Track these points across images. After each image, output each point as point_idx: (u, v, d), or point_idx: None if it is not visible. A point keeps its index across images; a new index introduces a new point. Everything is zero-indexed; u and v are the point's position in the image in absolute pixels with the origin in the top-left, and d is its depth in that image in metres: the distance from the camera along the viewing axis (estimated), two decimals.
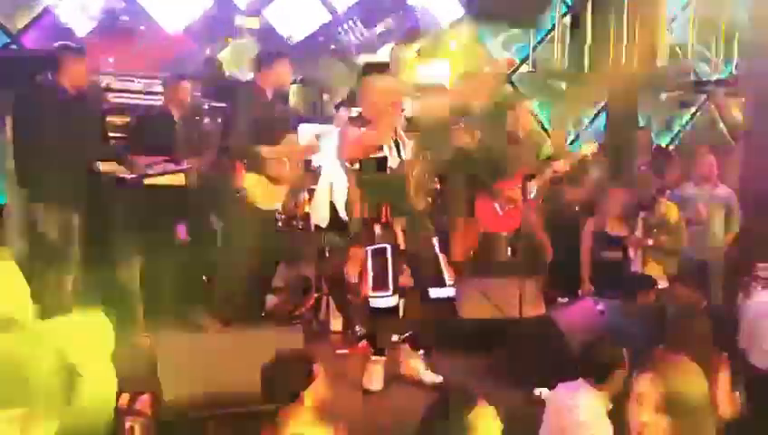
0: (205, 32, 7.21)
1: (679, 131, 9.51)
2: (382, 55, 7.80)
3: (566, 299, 6.16)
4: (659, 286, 5.64)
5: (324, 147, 5.62)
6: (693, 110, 9.60)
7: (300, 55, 7.02)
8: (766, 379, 3.94)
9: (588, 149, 5.99)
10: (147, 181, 4.87)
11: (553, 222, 6.09)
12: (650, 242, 5.83)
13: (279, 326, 4.77)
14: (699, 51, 8.77)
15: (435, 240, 4.29)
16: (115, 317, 2.36)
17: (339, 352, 4.95)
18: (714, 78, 8.91)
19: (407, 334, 4.41)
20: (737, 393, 3.35)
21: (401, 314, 4.86)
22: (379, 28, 7.87)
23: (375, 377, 4.26)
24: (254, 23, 7.40)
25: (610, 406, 3.06)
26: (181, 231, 5.22)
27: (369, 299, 4.23)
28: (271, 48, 6.23)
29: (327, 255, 5.58)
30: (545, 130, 8.42)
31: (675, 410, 1.86)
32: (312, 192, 5.60)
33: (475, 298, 4.98)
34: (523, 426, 3.18)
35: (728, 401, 3.21)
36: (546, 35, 8.53)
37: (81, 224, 4.82)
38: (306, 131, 5.47)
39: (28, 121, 4.79)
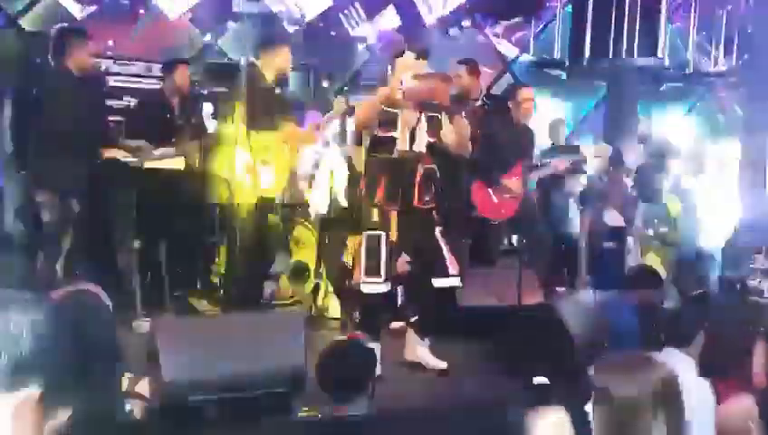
0: (204, 16, 7.17)
1: (677, 122, 9.50)
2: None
3: (564, 289, 6.18)
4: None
5: (325, 133, 5.61)
6: (692, 102, 9.60)
7: (300, 41, 6.99)
8: None
9: (600, 151, 5.99)
10: (146, 166, 4.85)
11: (551, 211, 6.10)
12: (650, 232, 5.84)
13: (280, 311, 4.76)
14: (699, 42, 8.76)
15: (438, 230, 4.28)
16: (114, 302, 2.35)
17: (337, 338, 4.95)
18: (713, 69, 8.91)
19: (411, 320, 4.42)
20: None
21: (400, 301, 4.88)
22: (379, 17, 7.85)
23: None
24: (253, 7, 7.36)
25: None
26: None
27: (361, 284, 4.24)
28: (271, 33, 6.20)
29: (326, 241, 5.59)
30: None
31: None
32: (312, 179, 5.59)
33: (475, 286, 4.99)
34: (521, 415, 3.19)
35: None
36: (547, 24, 8.52)
37: (81, 208, 4.81)
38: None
39: (29, 104, 4.77)
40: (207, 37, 7.21)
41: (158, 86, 5.66)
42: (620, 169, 6.45)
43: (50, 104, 4.73)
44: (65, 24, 5.41)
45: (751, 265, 5.66)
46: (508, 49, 8.56)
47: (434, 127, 4.25)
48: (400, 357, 4.46)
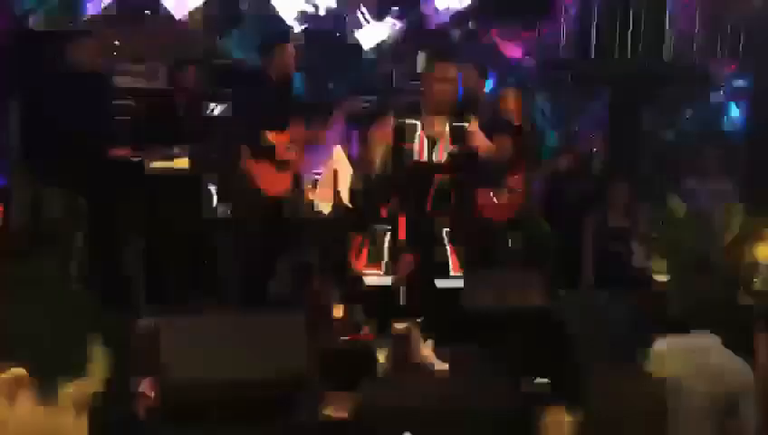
0: (211, 17, 7.20)
1: (683, 125, 9.48)
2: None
3: (566, 291, 6.19)
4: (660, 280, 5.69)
5: (330, 134, 5.64)
6: (696, 102, 9.57)
7: (305, 42, 7.02)
8: None
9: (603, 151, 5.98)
10: (152, 166, 4.88)
11: (555, 213, 6.11)
12: (655, 235, 5.84)
13: (284, 311, 4.78)
14: (704, 45, 8.75)
15: (444, 231, 4.29)
16: (118, 301, 2.38)
17: (340, 338, 4.98)
18: (719, 71, 8.89)
19: (416, 321, 4.44)
20: None
21: (402, 301, 4.89)
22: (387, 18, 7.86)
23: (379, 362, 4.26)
24: (259, 8, 7.38)
25: None
26: None
27: (363, 277, 4.25)
28: (276, 34, 6.23)
29: (331, 241, 5.61)
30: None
31: None
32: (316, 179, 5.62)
33: (477, 287, 5.01)
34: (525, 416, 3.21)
35: None
36: (551, 25, 8.51)
37: (87, 207, 4.85)
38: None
39: (37, 104, 4.81)
40: (215, 37, 7.24)
41: (164, 86, 5.69)
42: (624, 171, 6.46)
43: (57, 103, 4.77)
44: (72, 24, 5.44)
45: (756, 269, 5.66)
46: (513, 51, 8.56)
47: (459, 136, 4.20)
48: (405, 358, 4.48)
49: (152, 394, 3.29)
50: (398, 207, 4.20)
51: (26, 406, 0.99)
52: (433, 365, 4.33)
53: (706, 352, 3.03)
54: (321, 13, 7.43)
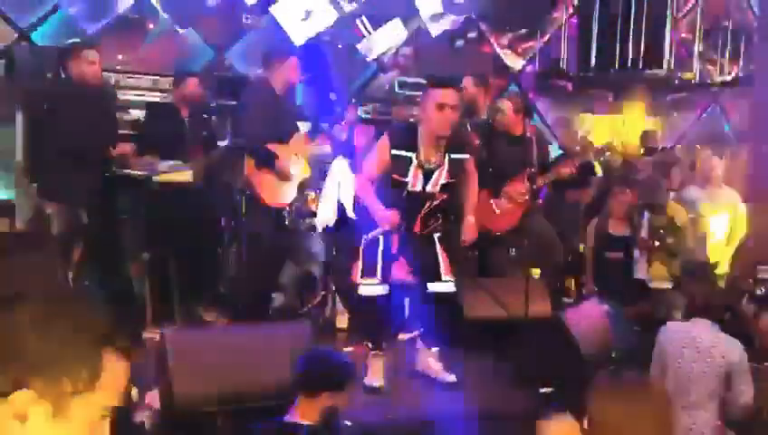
0: (213, 29, 7.25)
1: (684, 133, 9.52)
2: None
3: (571, 299, 6.19)
4: (664, 287, 5.70)
5: (333, 146, 5.66)
6: (698, 111, 9.61)
7: (307, 54, 7.05)
8: None
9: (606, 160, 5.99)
10: (155, 178, 4.90)
11: (556, 222, 6.12)
12: (656, 244, 5.84)
13: (288, 322, 4.79)
14: (705, 52, 8.79)
15: (435, 236, 4.28)
16: (125, 313, 2.39)
17: (345, 350, 4.98)
18: (719, 80, 8.93)
19: (418, 331, 4.44)
20: None
21: (408, 313, 4.89)
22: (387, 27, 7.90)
23: (376, 373, 4.24)
24: (261, 21, 7.43)
25: None
26: None
27: (358, 287, 4.24)
28: (279, 46, 6.26)
29: (333, 252, 5.62)
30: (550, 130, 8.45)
31: None
32: (319, 190, 5.63)
33: (480, 297, 5.01)
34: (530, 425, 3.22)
35: None
36: (552, 36, 8.56)
37: (90, 220, 4.86)
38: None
39: (41, 118, 4.83)
40: (216, 51, 7.28)
41: (167, 99, 5.72)
42: (626, 179, 6.47)
43: (60, 117, 4.80)
44: (76, 39, 5.48)
45: (758, 277, 5.67)
46: (514, 60, 8.60)
47: (457, 169, 4.15)
48: (412, 368, 4.48)
49: (157, 406, 3.29)
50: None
51: (38, 423, 1.01)
52: (438, 375, 4.32)
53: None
54: (322, 25, 7.48)
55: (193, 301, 5.15)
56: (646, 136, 7.70)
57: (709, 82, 8.99)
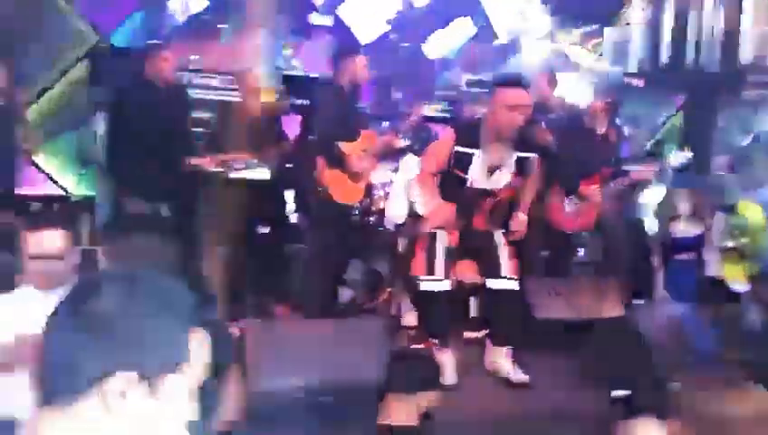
0: (282, 28, 7.35)
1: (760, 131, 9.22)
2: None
3: (641, 301, 6.08)
4: (738, 290, 5.55)
5: (401, 144, 5.69)
6: None
7: (374, 52, 7.09)
8: None
9: (676, 159, 5.87)
10: (231, 176, 5.01)
11: (629, 222, 6.02)
12: (730, 244, 5.69)
13: (362, 319, 4.85)
14: None
15: (497, 233, 4.26)
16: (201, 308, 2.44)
17: (412, 347, 5.00)
18: None
19: (486, 330, 4.43)
20: None
21: (473, 313, 4.88)
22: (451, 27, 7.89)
23: (446, 371, 4.18)
24: (328, 20, 7.50)
25: None
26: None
27: (419, 283, 4.25)
28: (346, 45, 6.32)
29: (400, 250, 5.64)
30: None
31: None
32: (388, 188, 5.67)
33: (550, 298, 4.97)
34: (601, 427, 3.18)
35: None
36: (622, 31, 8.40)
37: (169, 216, 5.01)
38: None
39: (121, 117, 5.01)
40: (286, 50, 7.38)
41: (239, 98, 5.84)
42: (698, 179, 6.32)
43: (138, 116, 4.96)
44: (153, 41, 5.64)
45: None
46: (583, 57, 8.47)
47: (524, 169, 4.13)
48: (482, 367, 4.47)
49: (235, 397, 3.37)
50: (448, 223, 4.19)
51: (136, 403, 1.07)
52: (508, 375, 4.30)
53: None
54: (389, 24, 7.51)
55: (264, 296, 5.25)
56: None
57: None
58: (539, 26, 7.97)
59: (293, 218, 5.61)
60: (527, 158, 4.20)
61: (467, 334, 4.90)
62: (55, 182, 6.23)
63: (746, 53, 7.59)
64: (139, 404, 1.07)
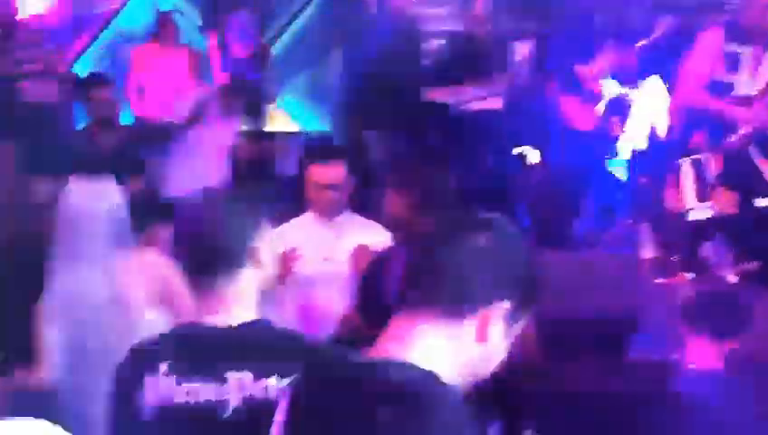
0: None
1: None
2: None
3: None
4: None
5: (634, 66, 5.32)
6: None
7: None
8: None
9: None
10: (462, 107, 4.97)
11: None
12: None
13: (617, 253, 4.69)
14: None
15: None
16: None
17: (656, 281, 4.75)
18: None
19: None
20: None
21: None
22: None
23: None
24: None
25: None
26: None
27: (687, 212, 4.04)
28: None
29: (641, 178, 5.34)
30: None
31: None
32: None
33: None
34: None
35: None
36: None
37: (403, 149, 5.09)
38: None
39: (355, 51, 5.12)
40: None
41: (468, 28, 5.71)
42: None
43: (373, 49, 5.04)
44: None
45: None
46: None
47: None
48: None
49: None
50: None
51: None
52: None
53: None
54: None
55: None
56: None
57: None
58: None
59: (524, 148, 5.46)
60: None
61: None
62: (295, 119, 6.52)
63: None
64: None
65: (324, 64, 6.01)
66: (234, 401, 1.43)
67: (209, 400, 1.44)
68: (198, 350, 1.47)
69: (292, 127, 6.46)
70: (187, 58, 5.70)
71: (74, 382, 2.23)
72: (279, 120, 6.30)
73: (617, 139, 5.39)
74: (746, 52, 3.79)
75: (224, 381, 1.44)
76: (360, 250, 2.62)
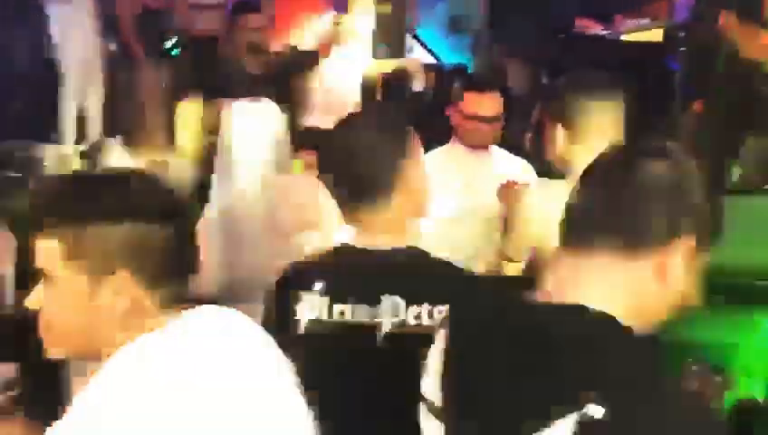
0: None
1: None
2: None
3: None
4: None
5: None
6: None
7: None
8: None
9: None
10: (624, 38, 4.70)
11: None
12: None
13: None
14: None
15: None
16: None
17: None
18: None
19: None
20: None
21: None
22: None
23: None
24: None
25: None
26: None
27: None
28: None
29: None
30: None
31: None
32: None
33: None
34: None
35: None
36: None
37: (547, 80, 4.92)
38: None
39: None
40: None
41: None
42: None
43: None
44: None
45: None
46: None
47: None
48: None
49: None
50: None
51: None
52: None
53: None
54: None
55: None
56: None
57: None
58: None
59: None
60: None
61: None
62: (429, 51, 6.41)
63: None
64: None
65: None
66: (386, 324, 1.45)
67: (363, 321, 1.47)
68: (353, 272, 1.50)
69: (428, 58, 6.39)
70: None
71: (228, 295, 2.35)
72: (415, 51, 6.24)
73: None
74: None
75: (377, 303, 1.46)
76: (509, 184, 2.57)
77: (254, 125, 2.26)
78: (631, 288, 0.98)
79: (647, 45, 4.68)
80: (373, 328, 1.46)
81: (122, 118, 4.96)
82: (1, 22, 4.98)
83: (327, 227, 2.37)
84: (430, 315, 1.44)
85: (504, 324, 1.00)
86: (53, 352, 1.09)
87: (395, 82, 5.20)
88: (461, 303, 1.15)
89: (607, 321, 0.95)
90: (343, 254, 1.55)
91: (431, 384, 1.03)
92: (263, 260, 2.24)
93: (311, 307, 1.49)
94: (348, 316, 1.47)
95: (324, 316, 1.48)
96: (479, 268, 2.42)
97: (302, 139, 3.01)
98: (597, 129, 1.98)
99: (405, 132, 1.55)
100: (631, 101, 2.04)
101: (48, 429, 0.99)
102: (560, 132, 2.10)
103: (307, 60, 4.58)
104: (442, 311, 1.42)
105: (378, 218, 1.50)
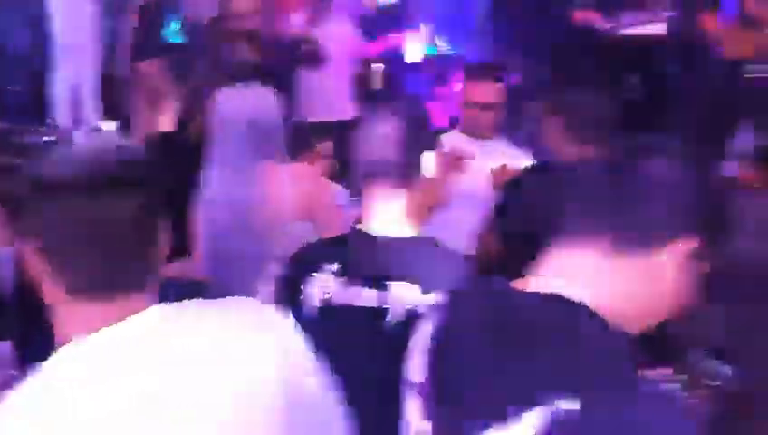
0: None
1: None
2: None
3: None
4: None
5: None
6: None
7: None
8: None
9: None
10: (624, 33, 4.68)
11: None
12: None
13: None
14: None
15: None
16: None
17: None
18: None
19: None
20: None
21: None
22: None
23: None
24: None
25: None
26: None
27: None
28: None
29: None
30: None
31: None
32: None
33: None
34: None
35: None
36: None
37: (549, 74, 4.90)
38: None
39: None
40: None
41: None
42: None
43: None
44: None
45: None
46: None
47: None
48: None
49: None
50: None
51: None
52: None
53: None
54: None
55: None
56: None
57: None
58: None
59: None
60: None
61: None
62: (431, 44, 6.39)
63: None
64: None
65: None
66: (395, 311, 1.45)
67: (371, 307, 1.47)
68: (363, 257, 1.51)
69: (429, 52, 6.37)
70: None
71: (220, 278, 2.34)
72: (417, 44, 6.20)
73: None
74: None
75: (385, 289, 1.46)
76: (502, 168, 2.57)
77: (242, 111, 2.23)
78: (623, 286, 0.95)
79: (648, 40, 4.67)
80: (382, 314, 1.46)
81: (120, 104, 4.97)
82: None
83: (323, 217, 2.36)
84: None
85: (487, 312, 0.98)
86: None
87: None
88: (456, 290, 1.14)
89: (580, 309, 0.92)
90: (354, 238, 1.56)
91: (415, 367, 1.03)
92: (256, 248, 2.23)
93: (321, 289, 1.50)
94: (356, 300, 1.48)
95: (334, 299, 1.49)
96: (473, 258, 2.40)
97: (314, 131, 3.05)
98: (594, 123, 1.97)
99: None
100: (629, 97, 2.05)
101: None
102: (558, 126, 2.09)
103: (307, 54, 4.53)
104: None
105: (395, 206, 1.51)
